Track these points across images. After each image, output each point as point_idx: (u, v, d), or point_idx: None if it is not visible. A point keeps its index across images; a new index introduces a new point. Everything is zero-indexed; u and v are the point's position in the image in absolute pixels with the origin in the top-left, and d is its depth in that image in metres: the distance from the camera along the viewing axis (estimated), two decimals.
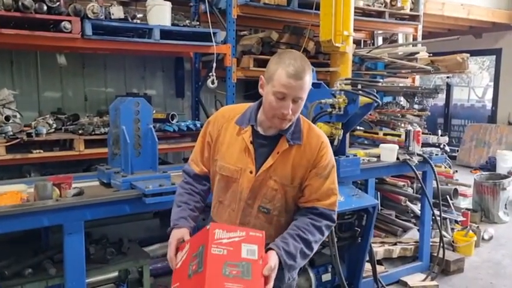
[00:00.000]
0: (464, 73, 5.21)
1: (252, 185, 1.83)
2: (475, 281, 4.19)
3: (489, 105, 10.40)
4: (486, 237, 5.24)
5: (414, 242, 4.52)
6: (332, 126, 3.38)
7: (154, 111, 3.54)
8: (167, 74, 5.23)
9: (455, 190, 5.25)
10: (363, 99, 3.29)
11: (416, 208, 4.94)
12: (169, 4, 3.86)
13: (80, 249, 2.54)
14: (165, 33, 3.78)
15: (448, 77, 7.61)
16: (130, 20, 3.68)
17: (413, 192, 5.07)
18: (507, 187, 6.00)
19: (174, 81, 5.27)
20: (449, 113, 10.88)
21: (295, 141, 1.83)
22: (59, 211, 2.44)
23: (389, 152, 3.93)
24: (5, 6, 3.07)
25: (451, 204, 5.18)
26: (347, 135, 3.62)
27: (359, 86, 3.28)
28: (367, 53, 5.17)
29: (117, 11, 3.56)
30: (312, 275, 3.43)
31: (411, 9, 5.68)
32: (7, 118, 3.51)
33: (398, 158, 3.95)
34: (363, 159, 3.81)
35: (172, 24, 3.91)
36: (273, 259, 1.62)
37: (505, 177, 6.21)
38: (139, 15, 3.82)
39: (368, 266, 3.82)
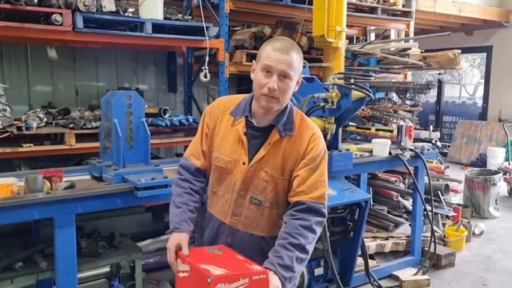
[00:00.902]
0: (455, 69, 5.24)
1: (244, 176, 1.83)
2: (466, 275, 4.23)
3: (480, 103, 10.48)
4: (477, 232, 5.29)
5: (406, 236, 4.55)
6: (325, 121, 3.38)
7: (146, 106, 3.51)
8: (160, 68, 5.20)
9: (446, 186, 5.30)
10: (356, 94, 3.29)
11: (408, 203, 4.96)
12: None
13: (72, 242, 2.52)
14: (157, 27, 3.75)
15: (439, 74, 7.65)
16: (122, 13, 3.65)
17: (405, 188, 5.10)
18: (497, 183, 6.05)
19: (166, 76, 5.23)
20: (441, 110, 10.94)
21: (287, 133, 1.83)
22: (50, 204, 2.41)
23: (381, 147, 3.94)
24: None
25: (442, 200, 5.22)
26: (340, 129, 3.62)
27: (352, 80, 3.28)
28: (360, 48, 5.18)
29: (109, 4, 3.52)
30: (304, 269, 3.43)
31: (403, 6, 5.71)
32: None
33: (390, 153, 3.96)
34: (356, 154, 3.82)
35: (165, 18, 3.88)
36: (273, 282, 1.60)
37: (496, 173, 6.26)
38: (131, 9, 3.78)
39: (360, 260, 3.83)
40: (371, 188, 5.05)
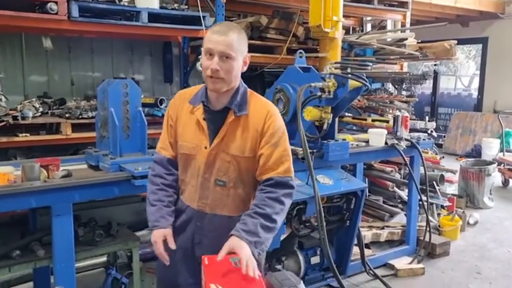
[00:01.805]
0: (451, 60, 5.25)
1: (206, 159, 1.91)
2: (461, 263, 4.27)
3: (475, 94, 10.51)
4: (471, 221, 5.33)
5: (402, 226, 4.58)
6: (322, 110, 3.39)
7: (142, 96, 3.50)
8: (155, 59, 5.17)
9: (442, 176, 5.32)
10: (352, 83, 3.30)
11: (403, 194, 4.99)
12: None
13: (69, 231, 2.52)
14: (153, 16, 3.73)
15: (435, 65, 7.66)
16: (118, 2, 3.62)
17: (401, 178, 5.12)
18: (492, 173, 6.09)
19: (162, 66, 5.21)
20: (436, 102, 10.98)
21: (242, 112, 1.90)
22: (47, 192, 2.41)
23: (377, 137, 3.96)
24: None
25: (437, 190, 5.25)
26: (336, 119, 3.63)
27: (349, 70, 3.28)
28: (356, 39, 5.18)
29: None
30: (301, 257, 3.45)
31: None
32: None
33: (386, 143, 3.98)
34: (352, 144, 3.84)
35: (160, 7, 3.85)
36: (242, 251, 1.68)
37: (490, 163, 6.31)
38: None
39: (356, 250, 3.87)
40: (366, 179, 5.08)
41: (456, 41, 5.10)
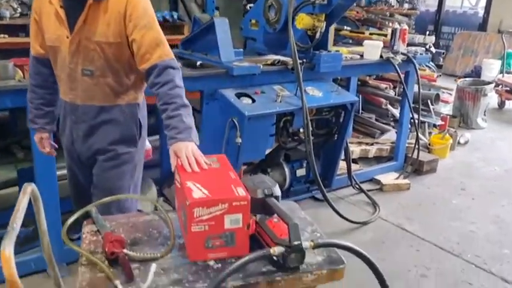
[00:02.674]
0: None
1: (69, 49, 1.83)
2: (447, 180, 4.32)
3: (481, 13, 10.10)
4: (462, 141, 5.33)
5: (391, 143, 4.58)
6: (315, 18, 3.20)
7: None
8: None
9: (437, 95, 5.23)
10: None
11: (396, 112, 4.93)
12: None
13: None
14: None
15: None
16: None
17: (395, 96, 5.04)
18: (488, 93, 6.00)
19: None
20: (440, 20, 10.56)
21: None
22: (23, 92, 2.31)
23: (372, 49, 3.80)
24: None
25: (431, 109, 5.19)
26: (331, 29, 3.46)
27: None
28: None
29: None
30: (286, 169, 3.46)
31: None
32: None
33: (381, 56, 3.84)
34: (346, 57, 3.69)
35: None
36: (187, 148, 1.65)
37: (488, 83, 6.18)
38: None
39: (343, 164, 3.88)
40: (360, 95, 4.99)
41: None
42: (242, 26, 3.76)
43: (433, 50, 4.90)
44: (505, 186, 4.22)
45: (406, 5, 5.01)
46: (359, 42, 4.67)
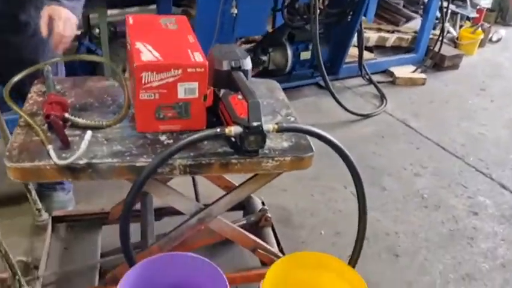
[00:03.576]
0: None
1: None
2: (468, 78, 3.99)
3: None
4: (494, 38, 4.85)
5: (414, 32, 4.17)
6: None
7: None
8: None
9: None
10: None
11: None
12: None
13: None
14: None
15: None
16: None
17: None
18: None
19: None
20: None
21: None
22: None
23: None
24: None
25: (468, 0, 4.65)
26: None
27: None
28: None
29: None
30: (289, 51, 3.17)
31: None
32: None
33: None
34: None
35: None
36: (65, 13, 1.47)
37: None
38: None
39: (355, 52, 3.56)
40: None
41: None
42: None
43: None
44: None
45: None
46: None
